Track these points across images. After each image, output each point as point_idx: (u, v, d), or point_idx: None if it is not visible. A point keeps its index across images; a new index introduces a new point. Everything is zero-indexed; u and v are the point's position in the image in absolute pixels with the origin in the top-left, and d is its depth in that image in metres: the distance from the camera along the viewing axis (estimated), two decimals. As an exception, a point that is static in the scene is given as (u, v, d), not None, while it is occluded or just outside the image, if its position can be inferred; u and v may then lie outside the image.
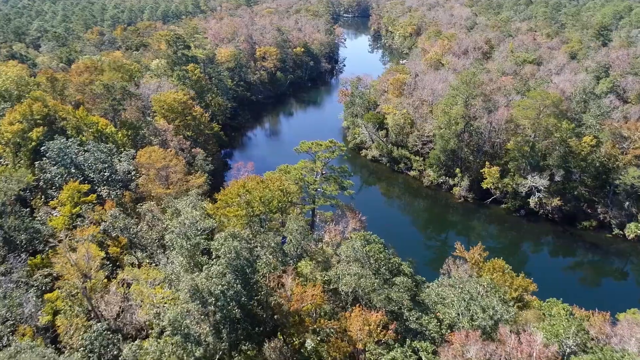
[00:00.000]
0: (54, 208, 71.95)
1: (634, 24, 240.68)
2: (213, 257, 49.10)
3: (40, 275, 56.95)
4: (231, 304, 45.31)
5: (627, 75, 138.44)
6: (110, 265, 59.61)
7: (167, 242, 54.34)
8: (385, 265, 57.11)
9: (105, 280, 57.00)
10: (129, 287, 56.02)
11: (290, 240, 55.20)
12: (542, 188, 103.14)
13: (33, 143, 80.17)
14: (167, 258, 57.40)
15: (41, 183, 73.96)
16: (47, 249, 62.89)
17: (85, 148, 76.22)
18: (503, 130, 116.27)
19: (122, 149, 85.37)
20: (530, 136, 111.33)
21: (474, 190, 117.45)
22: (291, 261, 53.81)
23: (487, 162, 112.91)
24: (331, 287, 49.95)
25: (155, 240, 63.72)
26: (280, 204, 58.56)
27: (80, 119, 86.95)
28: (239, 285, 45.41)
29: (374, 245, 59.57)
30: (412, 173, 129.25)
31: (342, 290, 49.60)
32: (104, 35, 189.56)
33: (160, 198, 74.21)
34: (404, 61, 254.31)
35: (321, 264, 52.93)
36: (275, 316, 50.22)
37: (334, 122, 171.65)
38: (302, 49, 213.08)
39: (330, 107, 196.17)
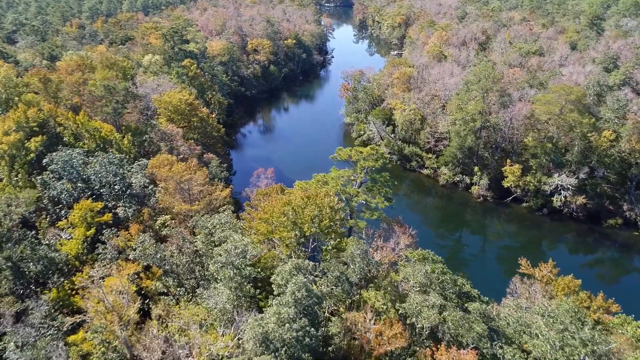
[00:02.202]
0: (62, 229, 63.83)
1: (621, 12, 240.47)
2: (275, 293, 42.47)
3: (61, 314, 49.28)
4: (305, 349, 38.96)
5: (639, 67, 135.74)
6: (140, 297, 52.28)
7: (213, 272, 47.32)
8: (451, 288, 51.58)
9: (137, 315, 49.71)
10: (166, 324, 48.97)
11: (351, 266, 48.93)
12: (570, 187, 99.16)
13: (31, 154, 71.31)
14: (207, 290, 50.40)
15: (45, 201, 65.42)
16: (62, 279, 55.02)
17: (96, 159, 67.84)
18: (521, 126, 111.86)
19: (128, 157, 77.26)
20: (553, 132, 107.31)
21: (492, 189, 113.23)
22: (354, 291, 47.69)
23: (508, 160, 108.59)
24: (408, 322, 44.05)
25: (185, 264, 56.47)
26: (331, 224, 52.13)
27: (81, 125, 78.23)
28: (313, 329, 39.02)
29: (435, 266, 54.00)
30: (425, 171, 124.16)
31: (420, 325, 43.73)
32: (85, 28, 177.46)
33: (181, 214, 66.82)
34: (395, 52, 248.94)
35: (390, 293, 46.97)
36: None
37: (334, 117, 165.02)
38: (294, 41, 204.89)
39: (326, 101, 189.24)
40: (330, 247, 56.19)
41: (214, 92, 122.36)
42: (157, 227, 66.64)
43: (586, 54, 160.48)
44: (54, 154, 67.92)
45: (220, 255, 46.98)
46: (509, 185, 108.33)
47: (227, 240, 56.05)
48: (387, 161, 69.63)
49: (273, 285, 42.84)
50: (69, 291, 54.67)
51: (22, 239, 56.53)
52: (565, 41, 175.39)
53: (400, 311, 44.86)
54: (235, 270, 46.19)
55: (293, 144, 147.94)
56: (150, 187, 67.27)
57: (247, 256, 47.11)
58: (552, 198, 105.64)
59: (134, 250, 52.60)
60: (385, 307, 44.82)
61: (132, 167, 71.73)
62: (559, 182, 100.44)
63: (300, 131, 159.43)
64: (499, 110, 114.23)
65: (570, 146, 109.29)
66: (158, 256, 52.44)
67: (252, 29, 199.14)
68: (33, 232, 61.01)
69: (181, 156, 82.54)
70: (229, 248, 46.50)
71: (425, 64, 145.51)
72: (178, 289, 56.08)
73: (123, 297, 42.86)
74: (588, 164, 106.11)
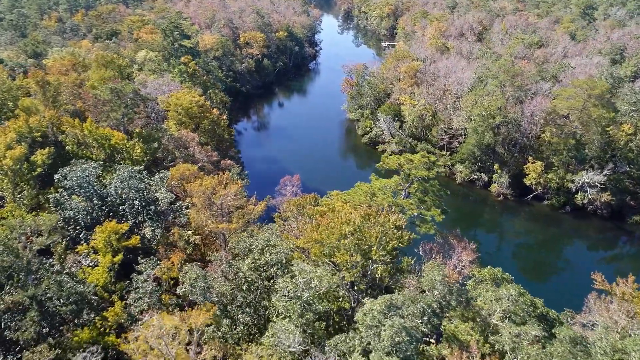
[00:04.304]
0: (81, 254, 56.83)
1: (609, 1, 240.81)
2: (363, 335, 37.02)
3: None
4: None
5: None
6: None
7: (279, 308, 41.54)
8: (532, 312, 47.09)
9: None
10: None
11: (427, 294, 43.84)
12: (598, 184, 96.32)
13: (38, 169, 63.69)
14: (265, 325, 44.72)
15: (60, 223, 58.11)
16: (93, 316, 48.32)
17: (116, 173, 60.76)
18: (539, 121, 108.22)
19: (140, 167, 70.26)
20: (574, 128, 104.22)
21: (511, 187, 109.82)
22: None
23: (530, 157, 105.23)
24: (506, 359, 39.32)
25: (231, 292, 50.40)
26: (400, 245, 46.93)
27: (89, 133, 70.68)
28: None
29: (511, 286, 49.47)
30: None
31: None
32: (65, 22, 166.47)
33: (213, 232, 60.57)
34: (387, 43, 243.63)
35: (478, 324, 42.18)
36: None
37: (333, 112, 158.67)
38: (285, 33, 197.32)
39: (322, 96, 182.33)
40: (389, 268, 51.09)
41: (216, 91, 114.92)
42: (182, 245, 60.38)
43: (587, 44, 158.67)
44: (66, 168, 60.57)
45: (287, 288, 41.18)
46: (530, 183, 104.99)
47: (278, 265, 50.32)
48: (442, 169, 64.04)
49: (359, 325, 37.45)
50: (101, 329, 48.18)
51: (40, 269, 49.55)
52: (564, 32, 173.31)
53: (496, 346, 40.14)
54: (306, 306, 40.57)
55: (296, 142, 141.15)
56: (178, 204, 60.61)
57: (317, 289, 41.48)
58: (575, 195, 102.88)
59: (182, 284, 46.16)
60: (478, 342, 40.02)
61: (152, 180, 64.81)
62: (586, 180, 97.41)
63: (300, 128, 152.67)
64: (514, 106, 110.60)
65: (589, 141, 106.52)
66: (206, 287, 46.25)
67: (242, 21, 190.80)
68: (50, 259, 54.06)
69: (199, 164, 75.84)
70: (298, 282, 40.75)
71: (432, 58, 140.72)
72: (223, 320, 50.15)
73: (188, 348, 36.71)
74: (611, 160, 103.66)
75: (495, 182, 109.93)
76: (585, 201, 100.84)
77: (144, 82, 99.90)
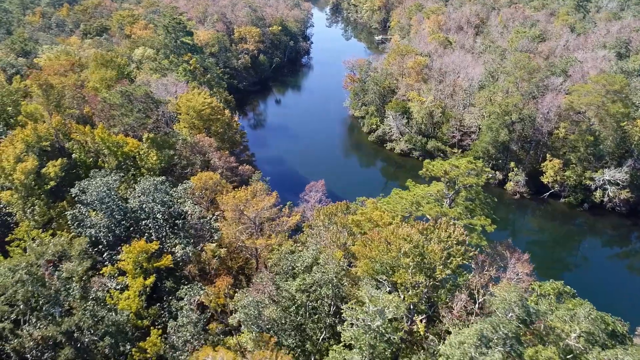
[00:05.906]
0: (104, 275, 52.02)
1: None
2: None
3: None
4: None
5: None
6: None
7: (346, 338, 37.77)
8: (604, 330, 44.27)
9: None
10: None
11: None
12: (620, 182, 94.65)
13: (51, 183, 58.37)
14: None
15: (80, 241, 53.07)
16: (129, 347, 43.81)
17: (139, 186, 55.83)
18: (555, 118, 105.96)
19: (163, 178, 65.35)
20: (592, 124, 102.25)
21: (527, 185, 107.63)
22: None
23: (548, 154, 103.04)
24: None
25: (279, 316, 46.44)
26: (464, 262, 43.61)
27: (101, 141, 65.41)
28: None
29: (574, 301, 46.71)
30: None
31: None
32: (50, 17, 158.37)
33: (249, 247, 56.35)
34: (380, 37, 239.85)
35: (560, 348, 39.15)
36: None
37: (333, 109, 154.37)
38: (279, 28, 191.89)
39: (320, 91, 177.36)
40: (450, 286, 47.89)
41: (221, 89, 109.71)
42: (205, 259, 56.06)
43: (588, 38, 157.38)
44: (85, 181, 55.41)
45: (357, 317, 37.41)
46: (547, 181, 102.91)
47: (328, 285, 46.48)
48: (490, 176, 60.79)
49: (444, 359, 33.97)
50: (139, 363, 43.74)
51: (68, 297, 44.75)
52: (562, 24, 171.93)
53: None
54: (378, 337, 36.89)
55: (299, 141, 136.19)
56: (208, 217, 56.09)
57: (388, 316, 37.81)
58: (593, 193, 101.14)
59: (234, 312, 41.92)
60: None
61: (175, 191, 60.00)
62: (607, 177, 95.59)
63: (302, 126, 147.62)
64: (527, 102, 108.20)
65: (605, 138, 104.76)
66: (257, 315, 42.18)
67: (235, 15, 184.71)
68: (73, 284, 49.13)
69: (218, 171, 71.26)
70: (368, 310, 37.01)
71: (436, 52, 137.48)
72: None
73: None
74: (629, 156, 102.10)
75: (510, 180, 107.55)
76: (605, 199, 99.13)
77: (147, 82, 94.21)
